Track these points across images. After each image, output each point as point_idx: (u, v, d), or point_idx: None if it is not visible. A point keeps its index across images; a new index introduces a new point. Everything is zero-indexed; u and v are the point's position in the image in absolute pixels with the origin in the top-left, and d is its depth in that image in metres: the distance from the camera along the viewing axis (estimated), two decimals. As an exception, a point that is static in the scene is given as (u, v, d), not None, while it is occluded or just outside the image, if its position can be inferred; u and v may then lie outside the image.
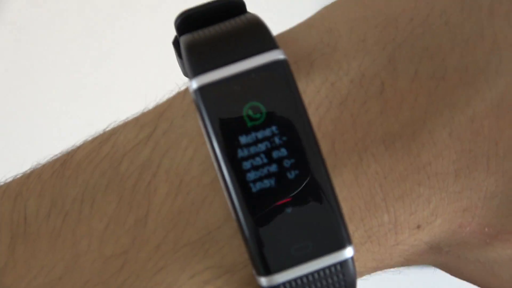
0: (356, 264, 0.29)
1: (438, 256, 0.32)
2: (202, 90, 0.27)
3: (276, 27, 0.30)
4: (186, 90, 0.31)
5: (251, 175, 0.27)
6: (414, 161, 0.29)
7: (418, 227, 0.29)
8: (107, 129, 0.31)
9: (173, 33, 0.32)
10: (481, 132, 0.29)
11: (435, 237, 0.30)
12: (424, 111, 0.29)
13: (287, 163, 0.27)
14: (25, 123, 0.71)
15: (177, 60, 0.33)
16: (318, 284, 0.27)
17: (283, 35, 0.31)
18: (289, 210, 0.27)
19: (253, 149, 0.27)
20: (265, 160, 0.27)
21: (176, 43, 0.32)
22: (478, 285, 0.34)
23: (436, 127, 0.29)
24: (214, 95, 0.27)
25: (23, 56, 0.75)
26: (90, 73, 0.72)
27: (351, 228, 0.28)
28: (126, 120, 0.31)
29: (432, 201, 0.29)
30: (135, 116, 0.31)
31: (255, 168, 0.27)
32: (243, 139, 0.27)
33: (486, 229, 0.30)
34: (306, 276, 0.27)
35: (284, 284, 0.27)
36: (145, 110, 0.31)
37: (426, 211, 0.29)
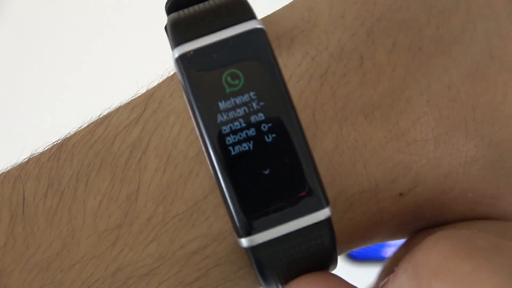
0: (340, 234, 0.30)
1: (425, 226, 0.32)
2: (183, 58, 0.28)
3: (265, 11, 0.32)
4: (175, 73, 0.32)
5: (230, 139, 0.28)
6: (393, 129, 0.29)
7: (400, 194, 0.30)
8: (101, 115, 0.32)
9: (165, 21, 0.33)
10: (458, 99, 0.30)
11: (418, 205, 0.31)
12: (402, 81, 0.30)
13: (264, 127, 0.28)
14: (22, 116, 0.72)
15: (169, 43, 0.34)
16: (297, 245, 0.28)
17: (266, 17, 0.33)
18: (266, 172, 0.27)
19: (231, 114, 0.28)
20: (243, 125, 0.28)
21: (167, 28, 0.33)
22: None
23: (413, 95, 0.30)
24: (194, 63, 0.28)
25: (18, 49, 0.77)
26: (83, 66, 0.74)
27: (332, 195, 0.29)
28: (119, 105, 0.32)
29: (412, 168, 0.30)
30: (126, 101, 0.32)
31: (234, 132, 0.28)
32: (222, 105, 0.28)
33: (470, 195, 0.30)
34: (285, 236, 0.28)
35: (264, 244, 0.27)
36: (136, 95, 0.32)
37: (407, 178, 0.30)
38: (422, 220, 0.32)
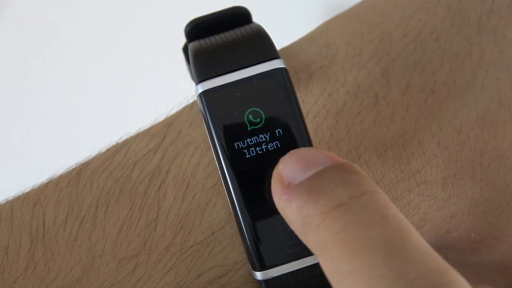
0: None
1: None
2: (206, 94, 0.29)
3: (279, 38, 0.32)
4: (194, 101, 0.33)
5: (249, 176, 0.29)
6: (405, 169, 0.30)
7: None
8: (120, 140, 0.33)
9: (181, 46, 0.34)
10: (467, 143, 0.31)
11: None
12: (414, 122, 0.31)
13: None
14: (40, 138, 0.73)
15: (186, 66, 0.35)
16: (310, 279, 0.29)
17: (284, 49, 0.33)
18: None
19: (252, 151, 0.29)
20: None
21: (185, 50, 0.34)
22: None
23: (425, 137, 0.31)
24: (217, 100, 0.29)
25: (37, 70, 0.77)
26: (102, 89, 0.74)
27: None
28: (138, 132, 0.33)
29: (421, 208, 0.31)
30: (146, 127, 0.33)
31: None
32: (243, 142, 0.29)
33: (472, 235, 0.32)
34: (299, 271, 0.29)
35: (277, 278, 0.29)
36: (155, 122, 0.33)
37: (416, 216, 0.31)
38: None
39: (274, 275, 0.29)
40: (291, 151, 0.26)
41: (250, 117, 0.29)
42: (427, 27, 0.32)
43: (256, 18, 0.34)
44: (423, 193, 0.31)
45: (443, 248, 0.32)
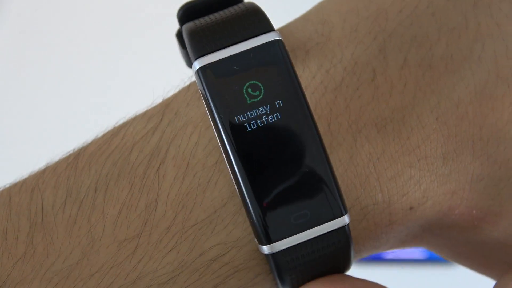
0: (354, 242, 0.31)
1: (431, 238, 0.34)
2: (204, 70, 0.29)
3: (274, 22, 0.32)
4: (191, 83, 0.32)
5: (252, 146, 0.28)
6: (405, 144, 0.30)
7: (411, 208, 0.31)
8: (117, 124, 0.33)
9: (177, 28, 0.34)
10: (465, 117, 0.31)
11: (427, 219, 0.32)
12: (412, 97, 0.31)
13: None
14: (37, 123, 0.73)
15: (180, 52, 0.35)
16: (316, 251, 0.29)
17: (280, 29, 0.33)
18: (287, 180, 0.28)
19: (253, 124, 0.29)
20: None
21: (179, 35, 0.34)
22: (469, 267, 0.36)
23: (423, 112, 0.31)
24: (215, 75, 0.29)
25: (33, 58, 0.77)
26: (99, 74, 0.74)
27: (347, 204, 0.30)
28: (135, 114, 0.33)
29: (422, 183, 0.31)
30: (143, 110, 0.33)
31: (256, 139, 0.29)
32: (243, 116, 0.29)
33: (474, 212, 0.31)
34: (305, 243, 0.29)
35: (284, 251, 0.28)
36: (152, 105, 0.33)
37: (418, 192, 0.31)
38: (428, 232, 0.33)
39: (282, 248, 0.28)
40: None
41: (249, 90, 0.29)
42: (422, 2, 0.32)
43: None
44: (423, 168, 0.30)
45: (445, 226, 0.32)
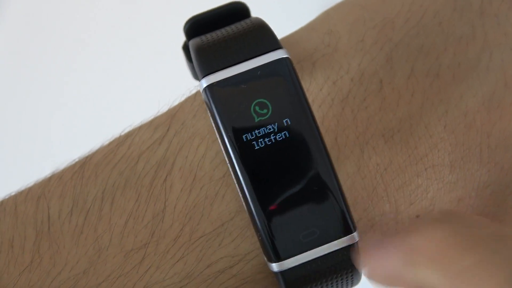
0: (361, 251, 0.31)
1: None
2: (211, 88, 0.29)
3: (278, 31, 0.32)
4: (196, 92, 0.32)
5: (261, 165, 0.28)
6: (412, 153, 0.30)
7: (417, 216, 0.31)
8: (123, 133, 0.33)
9: (182, 39, 0.34)
10: (473, 126, 0.31)
11: (433, 226, 0.32)
12: (420, 107, 0.31)
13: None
14: (42, 130, 0.73)
15: (187, 64, 0.35)
16: (326, 268, 0.29)
17: (286, 38, 0.33)
18: (296, 199, 0.28)
19: (261, 142, 0.29)
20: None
21: (185, 48, 0.34)
22: None
23: (431, 121, 0.31)
24: (222, 93, 0.29)
25: (37, 64, 0.77)
26: (104, 82, 0.74)
27: (355, 217, 0.30)
28: (141, 124, 0.33)
29: (429, 192, 0.31)
30: (149, 119, 0.33)
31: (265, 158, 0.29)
32: (251, 134, 0.29)
33: None
34: (314, 261, 0.29)
35: (293, 268, 0.28)
36: (158, 114, 0.33)
37: (425, 201, 0.31)
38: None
39: (291, 265, 0.28)
40: None
41: (257, 108, 0.29)
42: (429, 12, 0.32)
43: (254, 13, 0.34)
44: (431, 177, 0.31)
45: None
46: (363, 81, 0.31)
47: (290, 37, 0.33)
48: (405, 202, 0.31)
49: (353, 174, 0.30)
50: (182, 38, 0.34)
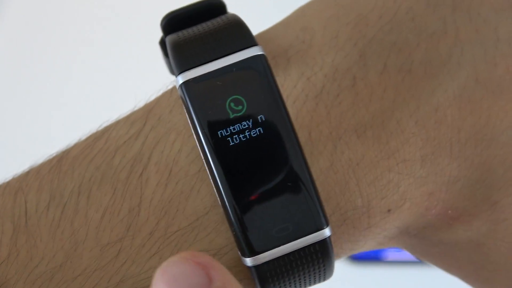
0: (334, 245, 0.31)
1: (407, 238, 0.34)
2: (187, 85, 0.29)
3: (253, 27, 0.33)
4: (173, 88, 0.33)
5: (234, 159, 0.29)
6: (384, 148, 0.31)
7: (389, 211, 0.32)
8: (100, 128, 0.33)
9: (160, 34, 0.34)
10: (444, 121, 0.31)
11: (404, 220, 0.32)
12: (392, 102, 0.31)
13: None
14: (18, 126, 0.73)
15: (164, 59, 0.35)
16: (299, 263, 0.29)
17: (261, 34, 0.34)
18: (270, 194, 0.29)
19: (236, 138, 0.29)
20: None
21: (162, 43, 0.34)
22: (440, 267, 0.37)
23: (403, 117, 0.31)
24: (198, 90, 0.29)
25: (15, 59, 0.77)
26: (80, 76, 0.74)
27: (328, 211, 0.30)
28: (118, 119, 0.33)
29: (401, 186, 0.31)
30: (125, 114, 0.33)
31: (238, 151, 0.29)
32: (226, 130, 0.29)
33: (450, 212, 0.32)
34: (288, 255, 0.29)
35: (267, 263, 0.29)
36: (135, 109, 0.33)
37: (396, 195, 0.31)
38: (405, 233, 0.34)
39: (264, 260, 0.29)
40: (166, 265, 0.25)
41: (232, 105, 0.29)
42: (402, 8, 0.33)
43: (231, 9, 0.34)
44: (402, 171, 0.31)
45: (421, 227, 0.33)
46: (337, 77, 0.31)
47: (265, 33, 0.34)
48: (377, 197, 0.31)
49: (326, 169, 0.31)
50: (159, 33, 0.34)
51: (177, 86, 0.30)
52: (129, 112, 0.33)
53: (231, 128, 0.29)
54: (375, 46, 0.32)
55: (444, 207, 0.32)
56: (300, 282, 0.30)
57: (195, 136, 0.29)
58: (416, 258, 0.37)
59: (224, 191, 0.29)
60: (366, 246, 0.34)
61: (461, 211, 0.32)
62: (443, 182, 0.32)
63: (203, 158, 0.29)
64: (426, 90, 0.31)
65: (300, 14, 0.34)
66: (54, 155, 0.33)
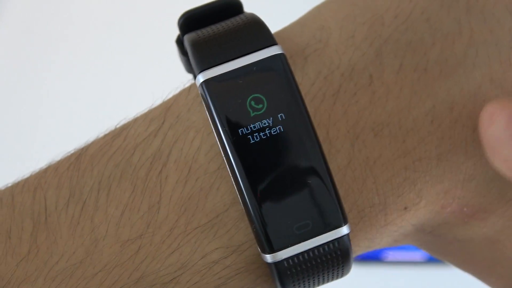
0: (351, 242, 0.32)
1: (422, 236, 0.35)
2: (208, 83, 0.30)
3: (269, 26, 0.33)
4: (191, 86, 0.33)
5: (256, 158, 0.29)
6: (400, 147, 0.31)
7: (405, 208, 0.32)
8: (118, 125, 0.33)
9: (176, 32, 0.34)
10: (459, 120, 0.32)
11: (420, 218, 0.33)
12: (408, 101, 0.32)
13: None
14: (37, 123, 0.73)
15: (180, 58, 0.35)
16: (318, 259, 0.30)
17: (278, 33, 0.34)
18: (290, 191, 0.29)
19: (256, 136, 0.29)
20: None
21: (179, 42, 0.34)
22: (455, 264, 0.37)
23: (419, 115, 0.32)
24: (219, 88, 0.30)
25: (33, 57, 0.77)
26: (98, 75, 0.74)
27: (345, 209, 0.31)
28: (136, 116, 0.33)
29: (417, 184, 0.32)
30: (143, 112, 0.33)
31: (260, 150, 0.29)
32: (247, 128, 0.29)
33: (465, 209, 0.33)
34: (307, 252, 0.29)
35: (287, 260, 0.29)
36: (153, 106, 0.33)
37: (412, 193, 0.32)
38: (420, 230, 0.34)
39: (284, 256, 0.29)
40: None
41: (252, 103, 0.30)
42: (417, 8, 0.33)
43: (247, 8, 0.34)
44: (418, 169, 0.31)
45: (436, 224, 0.33)
46: (353, 76, 0.32)
47: (282, 32, 0.34)
48: (393, 195, 0.31)
49: (344, 167, 0.31)
50: (176, 32, 0.34)
51: (198, 85, 0.30)
52: (147, 110, 0.33)
53: (252, 126, 0.29)
54: (391, 46, 0.32)
55: (460, 205, 0.32)
56: (318, 278, 0.31)
57: (215, 134, 0.30)
58: (430, 255, 0.38)
59: (244, 188, 0.29)
60: (382, 243, 0.34)
61: (477, 208, 0.33)
62: (459, 180, 0.32)
63: (223, 155, 0.29)
64: (441, 90, 0.32)
65: (316, 13, 0.34)
66: (72, 152, 0.33)
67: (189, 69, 0.34)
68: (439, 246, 0.36)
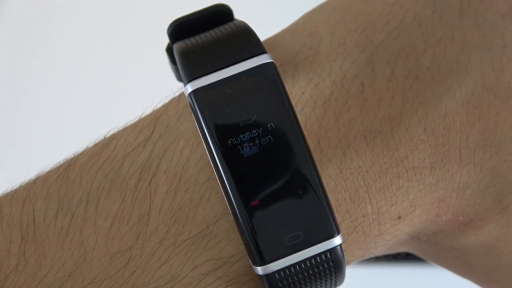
0: (345, 253, 0.31)
1: (417, 244, 0.34)
2: (197, 93, 0.29)
3: (260, 33, 0.33)
4: (180, 95, 0.33)
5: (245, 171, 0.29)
6: (393, 155, 0.31)
7: (399, 217, 0.32)
8: (107, 135, 0.33)
9: (166, 40, 0.34)
10: (453, 127, 0.31)
11: (415, 227, 0.32)
12: (400, 109, 0.31)
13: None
14: (25, 133, 0.73)
15: (170, 66, 0.35)
16: (310, 271, 0.29)
17: (268, 40, 0.34)
18: (280, 203, 0.29)
19: (246, 147, 0.29)
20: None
21: (169, 50, 0.34)
22: (453, 271, 0.37)
23: (412, 123, 0.31)
24: (208, 98, 0.29)
25: (20, 65, 0.77)
26: (87, 83, 0.74)
27: (338, 219, 0.30)
28: (125, 126, 0.33)
29: (410, 193, 0.31)
30: (133, 121, 0.33)
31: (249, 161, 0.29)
32: (236, 139, 0.29)
33: (460, 218, 0.32)
34: (299, 263, 0.29)
35: (278, 272, 0.29)
36: (142, 116, 0.33)
37: (406, 202, 0.31)
38: (415, 239, 0.34)
39: (275, 269, 0.29)
40: None
41: (242, 113, 0.29)
42: (409, 14, 0.33)
43: (237, 15, 0.34)
44: (411, 178, 0.31)
45: (431, 232, 0.33)
46: (345, 83, 0.31)
47: (273, 40, 0.34)
48: (387, 204, 0.31)
49: (335, 177, 0.31)
50: (166, 40, 0.34)
51: (186, 95, 0.30)
52: (136, 119, 0.33)
53: (241, 136, 0.29)
54: (382, 52, 0.32)
55: (455, 213, 0.32)
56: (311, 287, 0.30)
57: (204, 145, 0.29)
58: (428, 261, 0.37)
59: (234, 199, 0.29)
60: (377, 252, 0.34)
61: (472, 216, 0.32)
62: (453, 188, 0.32)
63: (213, 166, 0.29)
64: (434, 97, 0.31)
65: (307, 19, 0.34)
66: (61, 163, 0.33)
67: (179, 77, 0.34)
68: (437, 254, 0.35)
